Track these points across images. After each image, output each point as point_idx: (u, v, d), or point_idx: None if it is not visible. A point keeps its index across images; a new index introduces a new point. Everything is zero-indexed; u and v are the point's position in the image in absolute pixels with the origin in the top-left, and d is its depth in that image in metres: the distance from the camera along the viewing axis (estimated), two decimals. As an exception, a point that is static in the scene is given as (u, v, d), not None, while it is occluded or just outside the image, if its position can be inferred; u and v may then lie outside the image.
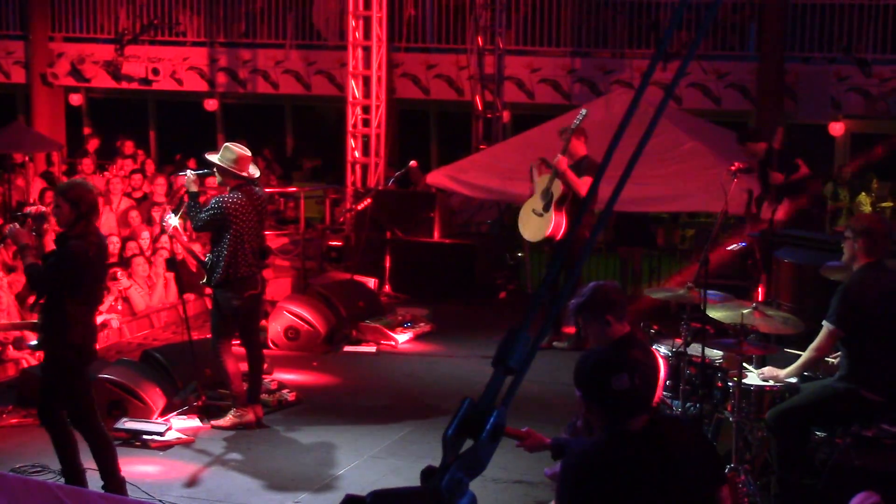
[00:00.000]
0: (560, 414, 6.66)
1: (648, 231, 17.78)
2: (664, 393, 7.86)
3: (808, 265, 10.21)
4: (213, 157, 9.89)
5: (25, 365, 11.62)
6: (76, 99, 24.24)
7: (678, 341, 7.94)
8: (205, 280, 10.10)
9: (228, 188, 9.86)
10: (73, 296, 8.03)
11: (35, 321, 8.26)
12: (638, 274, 16.06)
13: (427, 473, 2.44)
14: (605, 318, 6.18)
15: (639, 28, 20.28)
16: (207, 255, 10.06)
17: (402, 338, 13.24)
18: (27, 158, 19.42)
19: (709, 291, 7.95)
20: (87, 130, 25.16)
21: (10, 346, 12.17)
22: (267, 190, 13.05)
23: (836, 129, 19.54)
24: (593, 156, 11.98)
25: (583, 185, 11.89)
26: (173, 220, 10.83)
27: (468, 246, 15.96)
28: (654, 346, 7.81)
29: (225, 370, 9.99)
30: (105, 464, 8.23)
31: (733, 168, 9.83)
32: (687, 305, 8.02)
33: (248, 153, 9.97)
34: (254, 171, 9.99)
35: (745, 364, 7.76)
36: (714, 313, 7.95)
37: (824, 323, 7.59)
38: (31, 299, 11.51)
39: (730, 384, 7.72)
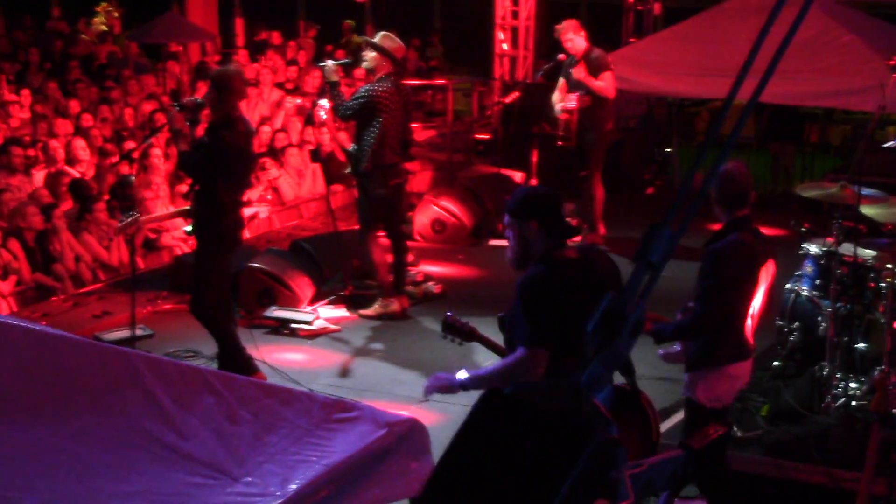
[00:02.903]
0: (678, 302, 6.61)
1: (801, 127, 17.32)
2: (814, 293, 7.73)
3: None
4: (374, 39, 10.01)
5: (179, 252, 11.89)
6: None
7: (830, 240, 7.76)
8: (349, 169, 10.20)
9: (376, 77, 9.91)
10: (226, 185, 8.18)
11: (188, 208, 8.44)
12: (790, 170, 15.73)
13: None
14: (724, 198, 6.12)
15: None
16: (352, 144, 10.14)
17: (548, 232, 13.20)
18: (181, 48, 19.66)
19: (863, 189, 7.75)
20: (239, 21, 25.38)
21: (165, 233, 12.44)
22: (415, 82, 13.05)
23: None
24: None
25: (606, 88, 12.27)
26: (327, 105, 10.93)
27: (616, 140, 15.73)
28: (804, 244, 7.70)
29: (371, 259, 10.10)
30: (224, 364, 8.34)
31: (892, 62, 9.43)
32: (839, 203, 7.82)
33: (405, 47, 10.12)
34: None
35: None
36: (868, 211, 7.75)
37: None
38: (184, 186, 11.71)
39: (882, 285, 7.54)
